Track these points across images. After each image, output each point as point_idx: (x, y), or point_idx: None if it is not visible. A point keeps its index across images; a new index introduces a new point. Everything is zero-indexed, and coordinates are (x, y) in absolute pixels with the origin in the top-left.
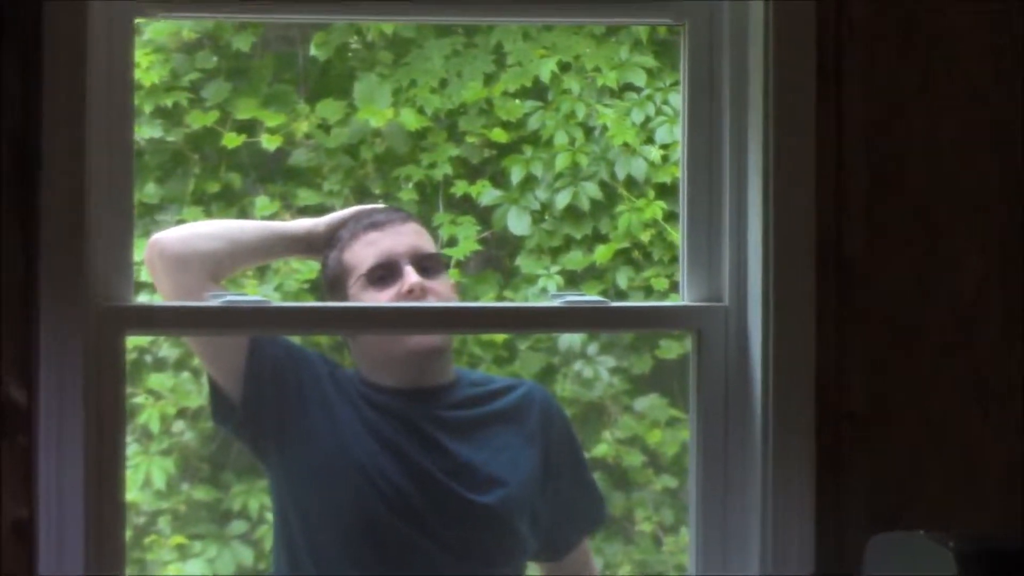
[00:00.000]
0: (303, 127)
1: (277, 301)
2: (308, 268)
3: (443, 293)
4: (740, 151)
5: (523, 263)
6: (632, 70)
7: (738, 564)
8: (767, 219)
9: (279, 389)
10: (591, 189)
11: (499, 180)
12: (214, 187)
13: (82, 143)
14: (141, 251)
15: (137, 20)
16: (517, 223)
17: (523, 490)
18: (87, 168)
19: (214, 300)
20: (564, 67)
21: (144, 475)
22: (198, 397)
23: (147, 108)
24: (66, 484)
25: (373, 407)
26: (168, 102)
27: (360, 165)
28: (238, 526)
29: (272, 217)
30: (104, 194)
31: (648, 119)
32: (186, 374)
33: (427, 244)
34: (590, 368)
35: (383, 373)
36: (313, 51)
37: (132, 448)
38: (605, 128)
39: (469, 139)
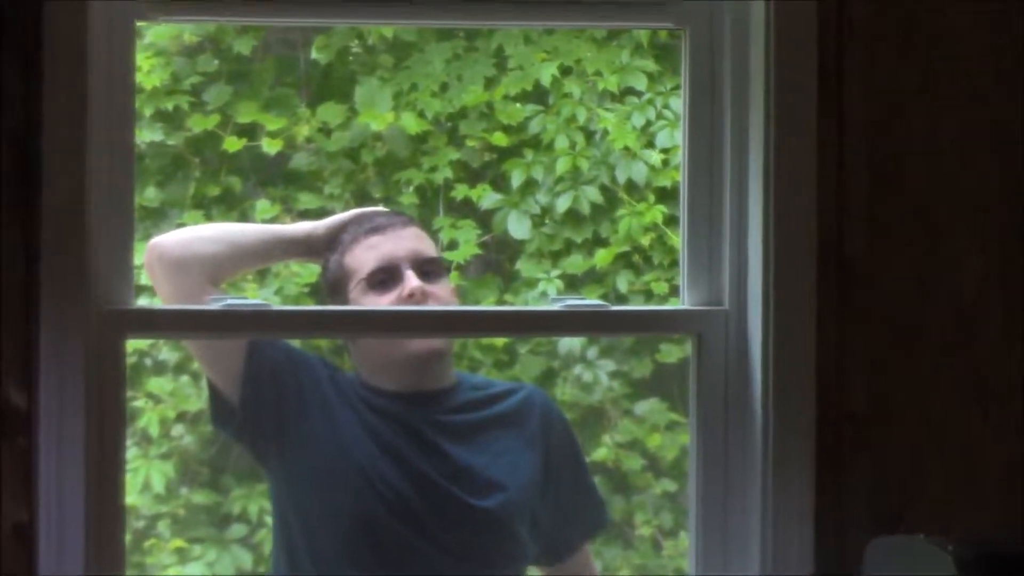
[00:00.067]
0: (304, 131)
1: (277, 305)
2: (308, 272)
3: (444, 297)
4: (741, 154)
5: (523, 267)
6: (633, 74)
7: (738, 567)
8: (767, 222)
9: (278, 392)
10: (591, 193)
11: (499, 184)
12: (215, 191)
13: (82, 145)
14: (141, 254)
15: (138, 23)
16: (517, 227)
17: (523, 494)
18: (88, 170)
19: (214, 304)
20: (565, 71)
21: (143, 479)
22: (198, 401)
23: (148, 111)
24: (66, 487)
25: (373, 410)
26: (169, 105)
27: (361, 169)
28: (237, 530)
29: (273, 221)
30: (105, 197)
31: (649, 123)
32: (186, 378)
33: (428, 248)
34: (590, 372)
35: (383, 377)
36: (314, 55)
37: (131, 452)
38: (606, 132)
39: (470, 143)
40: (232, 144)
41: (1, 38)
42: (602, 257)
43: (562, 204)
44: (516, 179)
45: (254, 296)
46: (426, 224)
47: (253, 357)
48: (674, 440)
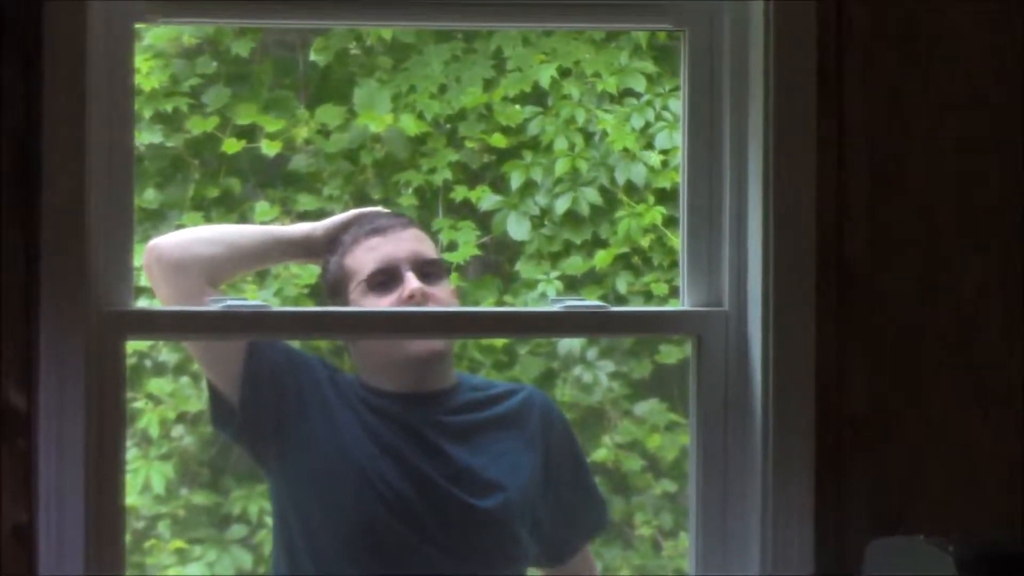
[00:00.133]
0: (303, 132)
1: (276, 306)
2: (308, 273)
3: (444, 299)
4: (740, 155)
5: (523, 268)
6: (632, 75)
7: (738, 567)
8: (767, 223)
9: (278, 393)
10: (591, 194)
11: (499, 185)
12: (214, 192)
13: (82, 146)
14: (141, 256)
15: (137, 25)
16: (517, 228)
17: (523, 495)
18: (87, 172)
19: (214, 305)
20: (564, 72)
21: (143, 479)
22: (197, 402)
23: (147, 113)
24: (66, 488)
25: (373, 411)
26: (168, 107)
27: (360, 170)
28: (237, 530)
29: (272, 222)
30: (104, 198)
31: (648, 124)
32: (185, 379)
33: (428, 250)
34: (590, 373)
35: (383, 377)
36: (313, 56)
37: (131, 453)
38: (605, 133)
39: (469, 144)
40: (231, 146)
41: (1, 39)
42: (601, 258)
43: (561, 205)
44: (515, 180)
45: (253, 297)
46: (425, 225)
47: (253, 358)
48: (674, 441)
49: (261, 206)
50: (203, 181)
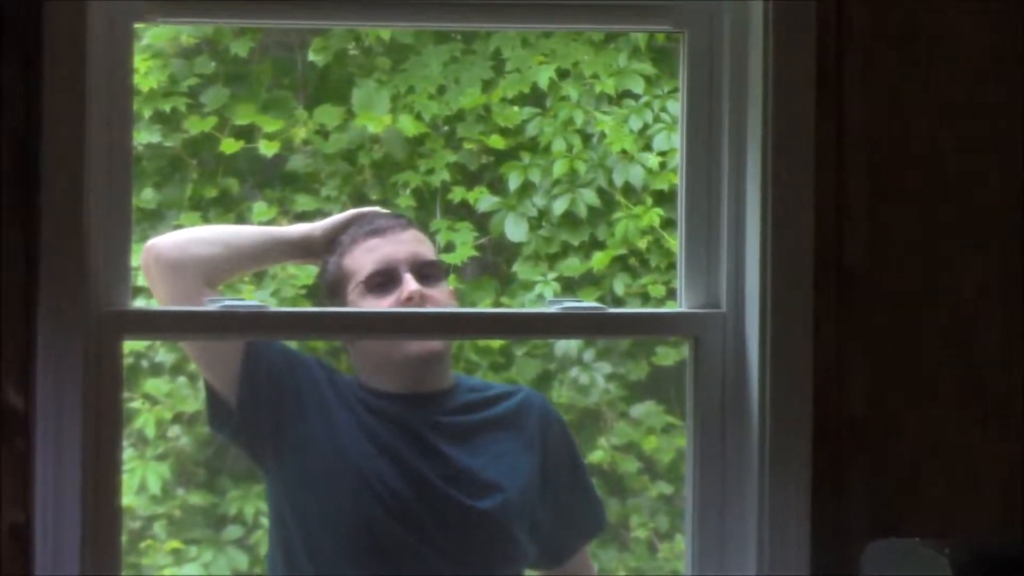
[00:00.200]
0: (301, 133)
1: (274, 306)
2: (305, 274)
3: (442, 301)
4: (739, 157)
5: (520, 269)
6: (630, 77)
7: (735, 570)
8: (765, 225)
9: (276, 394)
10: (589, 196)
11: (497, 186)
12: (212, 192)
13: (81, 146)
14: (139, 256)
15: (136, 25)
16: (514, 229)
17: (521, 496)
18: (86, 172)
19: (212, 305)
20: (562, 74)
21: (140, 480)
22: (194, 402)
23: (145, 113)
24: (63, 488)
25: (371, 412)
26: (166, 107)
27: (358, 171)
28: (233, 531)
29: (270, 223)
30: (103, 198)
31: (646, 126)
32: (182, 379)
33: (427, 251)
34: (586, 374)
35: (381, 378)
36: (311, 57)
37: (128, 453)
38: (603, 135)
39: (467, 145)
40: (229, 146)
41: (1, 38)
42: (599, 260)
43: (559, 207)
44: (513, 182)
45: (251, 298)
46: (423, 226)
47: (250, 358)
48: (670, 443)
49: (259, 206)
50: (201, 181)
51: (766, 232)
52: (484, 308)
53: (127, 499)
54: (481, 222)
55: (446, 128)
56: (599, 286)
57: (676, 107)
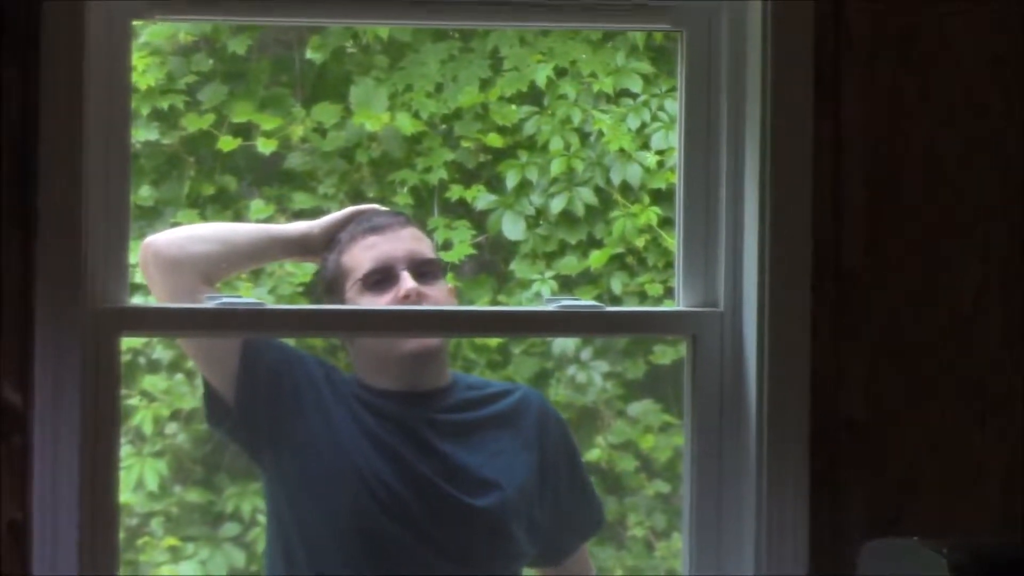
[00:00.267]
0: (299, 130)
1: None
2: (302, 271)
3: (439, 299)
4: (736, 156)
5: (517, 268)
6: (628, 76)
7: (732, 569)
8: (763, 224)
9: (274, 391)
10: (586, 194)
11: (494, 185)
12: (209, 190)
13: (79, 143)
14: (136, 253)
15: (134, 22)
16: (512, 228)
17: (519, 494)
18: (84, 169)
19: (209, 302)
20: (560, 72)
21: (137, 477)
22: (191, 399)
23: (143, 111)
24: (61, 485)
25: (369, 409)
26: (164, 105)
27: (355, 169)
28: (231, 528)
29: (267, 220)
30: (101, 195)
31: (644, 125)
32: (180, 376)
33: (426, 249)
34: (584, 373)
35: (379, 376)
36: (309, 55)
37: (125, 450)
38: (601, 133)
39: (464, 144)
40: (227, 143)
41: (1, 37)
42: (596, 258)
43: (557, 205)
44: (511, 180)
45: (248, 295)
46: (420, 225)
47: (248, 356)
48: (667, 441)
49: (256, 204)
50: (198, 179)
51: (764, 231)
52: (482, 306)
53: (124, 496)
54: (479, 220)
55: (444, 126)
56: (597, 285)
57: (674, 106)
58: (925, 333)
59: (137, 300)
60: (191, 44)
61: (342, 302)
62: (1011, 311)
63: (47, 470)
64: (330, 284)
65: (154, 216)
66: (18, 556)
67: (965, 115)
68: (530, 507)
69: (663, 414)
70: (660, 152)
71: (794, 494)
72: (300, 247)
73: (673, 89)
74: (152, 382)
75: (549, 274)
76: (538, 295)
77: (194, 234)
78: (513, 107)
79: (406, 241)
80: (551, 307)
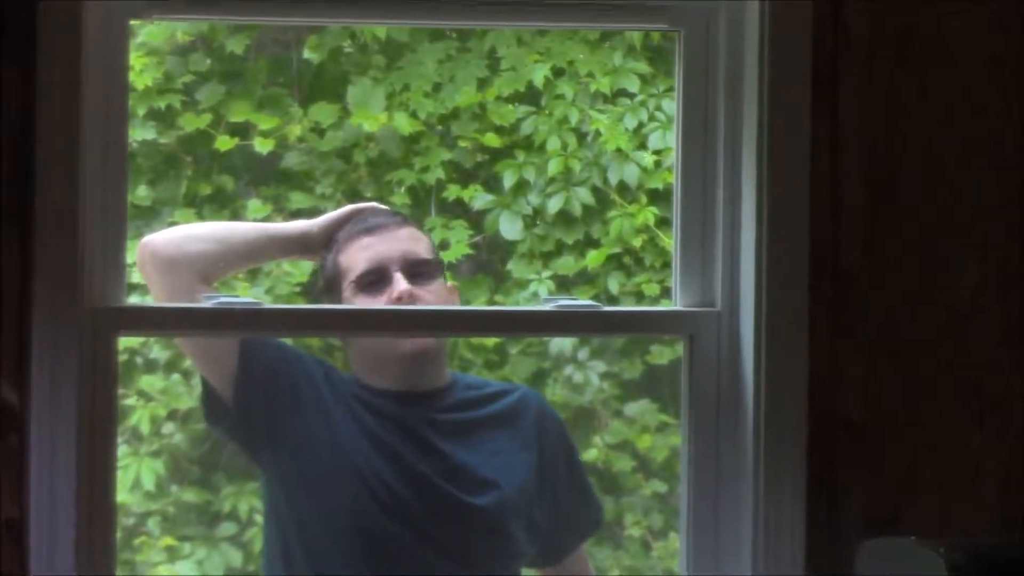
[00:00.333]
0: (296, 130)
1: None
2: (300, 271)
3: (433, 299)
4: (734, 156)
5: (515, 268)
6: (625, 76)
7: (730, 569)
8: (760, 224)
9: (272, 391)
10: (583, 194)
11: (491, 184)
12: (206, 190)
13: (77, 143)
14: (133, 253)
15: (132, 22)
16: (509, 227)
17: (518, 494)
18: (81, 169)
19: (207, 302)
20: (557, 72)
21: (134, 476)
22: (188, 399)
23: (140, 110)
24: (58, 484)
25: (368, 409)
26: (161, 104)
27: (353, 169)
28: (227, 528)
29: (264, 220)
30: (98, 195)
31: (641, 125)
32: (177, 376)
33: (421, 249)
34: (581, 373)
35: (377, 376)
36: (307, 54)
37: (122, 449)
38: (598, 133)
39: (462, 143)
40: (224, 143)
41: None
42: (593, 258)
43: (554, 205)
44: (508, 180)
45: (245, 295)
46: (418, 224)
47: (246, 355)
48: (664, 441)
49: (254, 204)
50: (196, 178)
51: (761, 231)
52: (479, 306)
53: (121, 495)
54: (476, 220)
55: (441, 126)
56: (594, 284)
57: (671, 106)
58: (923, 333)
59: (135, 299)
60: (188, 44)
61: (340, 302)
62: (1009, 311)
63: (44, 469)
64: (328, 284)
65: (151, 216)
66: (16, 555)
67: (963, 115)
68: (529, 507)
69: (660, 414)
70: (657, 152)
71: (791, 494)
72: (299, 246)
73: (670, 89)
74: (149, 382)
75: (546, 274)
76: (535, 295)
77: (191, 233)
78: (510, 107)
79: (401, 242)
80: (548, 307)
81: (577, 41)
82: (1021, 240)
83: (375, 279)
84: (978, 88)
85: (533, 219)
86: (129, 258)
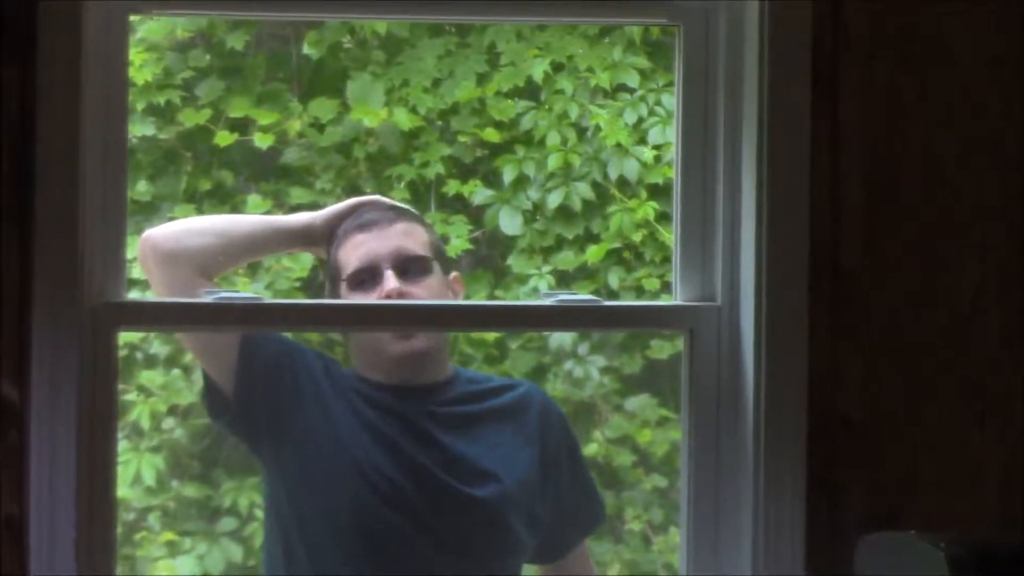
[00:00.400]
0: (296, 126)
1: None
2: (300, 266)
3: (425, 296)
4: (734, 150)
5: (515, 263)
6: (625, 71)
7: (729, 563)
8: (760, 219)
9: (272, 385)
10: (583, 189)
11: (491, 180)
12: (206, 185)
13: (77, 138)
14: (133, 248)
15: (131, 17)
16: (509, 223)
17: (519, 488)
18: (81, 164)
19: (206, 296)
20: (557, 67)
21: (134, 472)
22: (189, 394)
23: (140, 106)
24: (58, 480)
25: (368, 402)
26: (161, 100)
27: (352, 164)
28: (228, 523)
29: (265, 215)
30: (98, 191)
31: (641, 120)
32: (177, 371)
33: (413, 245)
34: (581, 368)
35: (376, 372)
36: (306, 50)
37: (122, 445)
38: (598, 128)
39: (461, 139)
40: (224, 138)
41: (0, 37)
42: (593, 253)
43: (553, 200)
44: (508, 175)
45: (245, 290)
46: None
47: (246, 348)
48: (664, 436)
49: (253, 199)
50: (195, 174)
51: (761, 226)
52: (479, 300)
53: (121, 491)
54: (475, 215)
55: (441, 122)
56: (594, 279)
57: (671, 101)
58: (923, 333)
59: (135, 295)
60: (188, 40)
61: (340, 297)
62: (1009, 311)
63: (44, 465)
64: (330, 278)
65: (151, 211)
66: (14, 551)
67: (963, 115)
68: (531, 501)
69: (660, 408)
70: (657, 147)
71: (791, 494)
72: (302, 238)
73: (670, 84)
74: (149, 377)
75: (546, 269)
76: (535, 290)
77: (192, 227)
78: (510, 102)
79: (393, 238)
80: (548, 301)
81: (576, 36)
82: (1021, 240)
83: (366, 277)
84: (978, 88)
85: (533, 214)
86: (129, 254)
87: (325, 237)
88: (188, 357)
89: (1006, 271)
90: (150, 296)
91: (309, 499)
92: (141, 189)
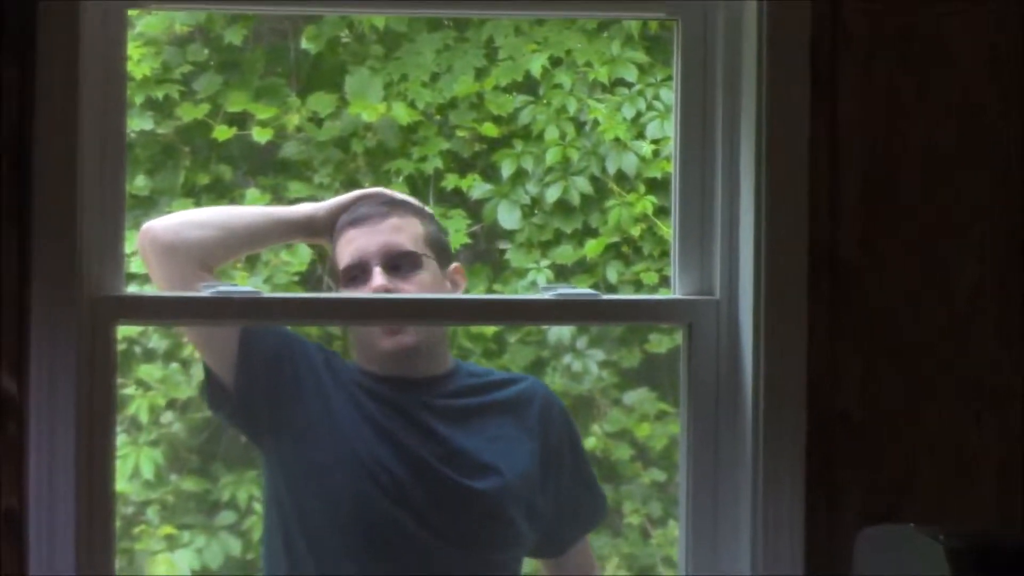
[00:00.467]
0: (294, 120)
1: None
2: (298, 260)
3: (415, 291)
4: (732, 145)
5: (513, 257)
6: (623, 65)
7: (728, 557)
8: (759, 213)
9: (273, 377)
10: (581, 183)
11: (490, 174)
12: (205, 179)
13: (75, 133)
14: (131, 243)
15: (129, 12)
16: (507, 217)
17: (520, 481)
18: (80, 158)
19: (205, 290)
20: (555, 62)
21: (133, 465)
22: (187, 388)
23: (138, 100)
24: (57, 474)
25: (368, 395)
26: (159, 94)
27: (351, 158)
28: (227, 516)
29: None
30: (96, 186)
31: (639, 114)
32: (175, 365)
33: (404, 240)
34: (579, 361)
35: (374, 365)
36: (304, 44)
37: (121, 438)
38: (596, 123)
39: (460, 133)
40: (222, 133)
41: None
42: (592, 247)
43: (552, 194)
44: (506, 169)
45: (244, 283)
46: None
47: (246, 341)
48: (663, 430)
49: (252, 193)
50: (194, 168)
51: (760, 220)
52: (478, 294)
53: (120, 484)
54: (474, 209)
55: (439, 116)
56: (592, 273)
57: (669, 95)
58: (922, 332)
59: (133, 289)
60: (186, 34)
61: (339, 290)
62: (1008, 310)
63: (43, 459)
64: (330, 272)
65: (149, 206)
66: (13, 544)
67: (962, 115)
68: (532, 494)
69: (659, 402)
70: (655, 141)
71: (790, 492)
72: (305, 229)
73: (668, 78)
74: (148, 371)
75: (545, 263)
76: (534, 284)
77: (191, 219)
78: (508, 96)
79: (382, 234)
80: (547, 295)
81: (575, 30)
82: (1020, 240)
83: (357, 273)
84: (978, 88)
85: (531, 208)
86: (128, 248)
87: (328, 229)
88: (187, 351)
89: (1005, 270)
90: (149, 290)
91: (309, 491)
92: (139, 183)
